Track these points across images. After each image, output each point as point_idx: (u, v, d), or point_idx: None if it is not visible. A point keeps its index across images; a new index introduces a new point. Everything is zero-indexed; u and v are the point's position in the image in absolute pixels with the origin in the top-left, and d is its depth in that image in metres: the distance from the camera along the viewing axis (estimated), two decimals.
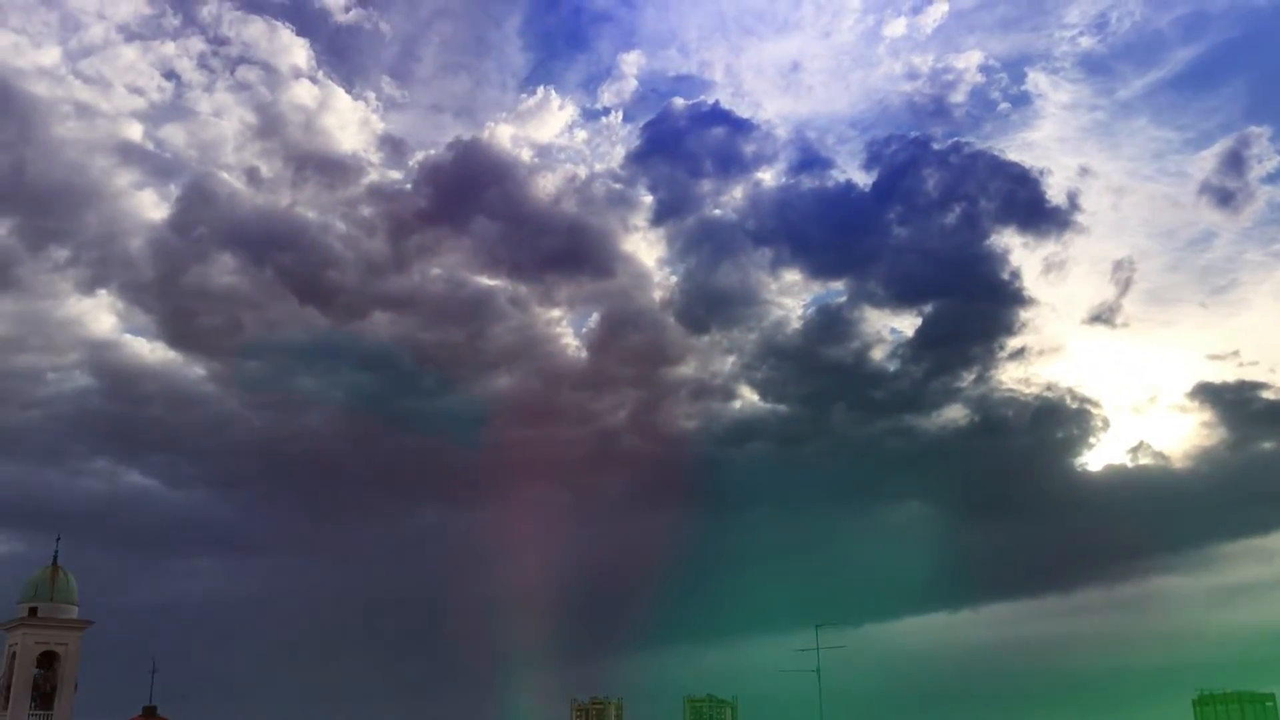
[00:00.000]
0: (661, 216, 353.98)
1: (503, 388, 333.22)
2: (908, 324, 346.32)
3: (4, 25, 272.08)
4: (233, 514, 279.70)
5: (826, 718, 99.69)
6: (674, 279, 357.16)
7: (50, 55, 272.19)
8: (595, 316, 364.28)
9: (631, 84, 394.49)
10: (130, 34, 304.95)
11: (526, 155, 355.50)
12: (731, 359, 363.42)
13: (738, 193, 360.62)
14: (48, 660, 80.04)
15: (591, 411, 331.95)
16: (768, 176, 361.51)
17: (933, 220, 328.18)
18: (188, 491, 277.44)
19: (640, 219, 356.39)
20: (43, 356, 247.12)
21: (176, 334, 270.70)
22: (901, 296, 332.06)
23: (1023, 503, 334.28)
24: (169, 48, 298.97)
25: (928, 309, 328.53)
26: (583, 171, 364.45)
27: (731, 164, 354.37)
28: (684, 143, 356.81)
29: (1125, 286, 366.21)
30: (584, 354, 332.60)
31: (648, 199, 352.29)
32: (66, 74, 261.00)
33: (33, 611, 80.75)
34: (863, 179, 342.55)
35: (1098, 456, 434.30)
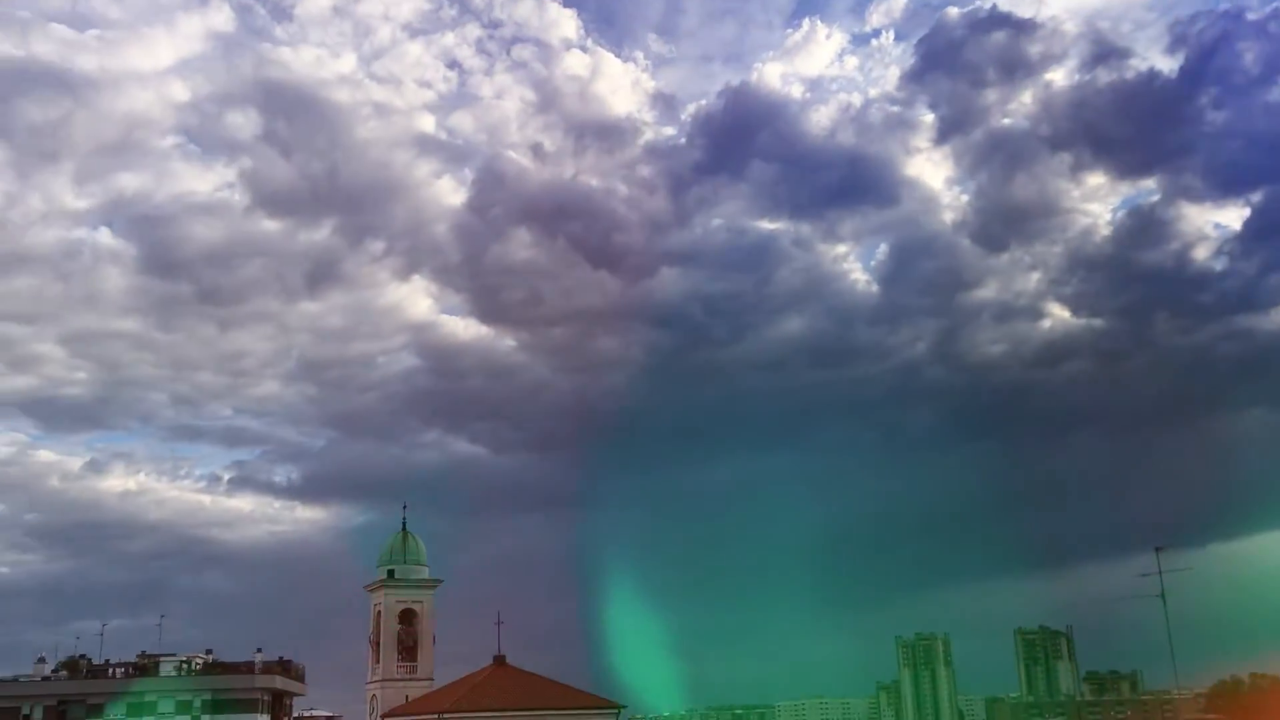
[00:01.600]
0: (945, 134, 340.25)
1: (794, 330, 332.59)
2: (1233, 217, 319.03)
3: (305, 40, 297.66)
4: (552, 473, 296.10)
5: (1175, 645, 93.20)
6: (965, 198, 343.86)
7: (347, 62, 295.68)
8: (883, 248, 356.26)
9: (901, 1, 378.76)
10: (414, 31, 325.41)
11: (797, 91, 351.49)
12: (1036, 276, 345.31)
13: (1026, 98, 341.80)
14: (407, 617, 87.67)
15: (889, 346, 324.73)
16: (1058, 76, 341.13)
17: (1253, 100, 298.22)
18: (510, 456, 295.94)
19: (922, 140, 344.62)
20: (372, 342, 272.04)
21: (485, 310, 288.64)
22: (1223, 187, 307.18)
23: None
24: (449, 38, 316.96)
25: (1255, 198, 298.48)
26: (856, 99, 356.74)
27: (1017, 68, 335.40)
28: (962, 53, 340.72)
29: None
30: (875, 288, 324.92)
31: (928, 118, 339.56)
32: (363, 78, 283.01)
33: (390, 573, 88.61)
34: (1167, 64, 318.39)
35: None
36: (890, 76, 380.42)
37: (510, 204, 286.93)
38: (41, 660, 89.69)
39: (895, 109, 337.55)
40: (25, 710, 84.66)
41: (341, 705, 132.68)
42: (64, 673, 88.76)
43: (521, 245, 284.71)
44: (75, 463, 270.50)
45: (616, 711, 75.77)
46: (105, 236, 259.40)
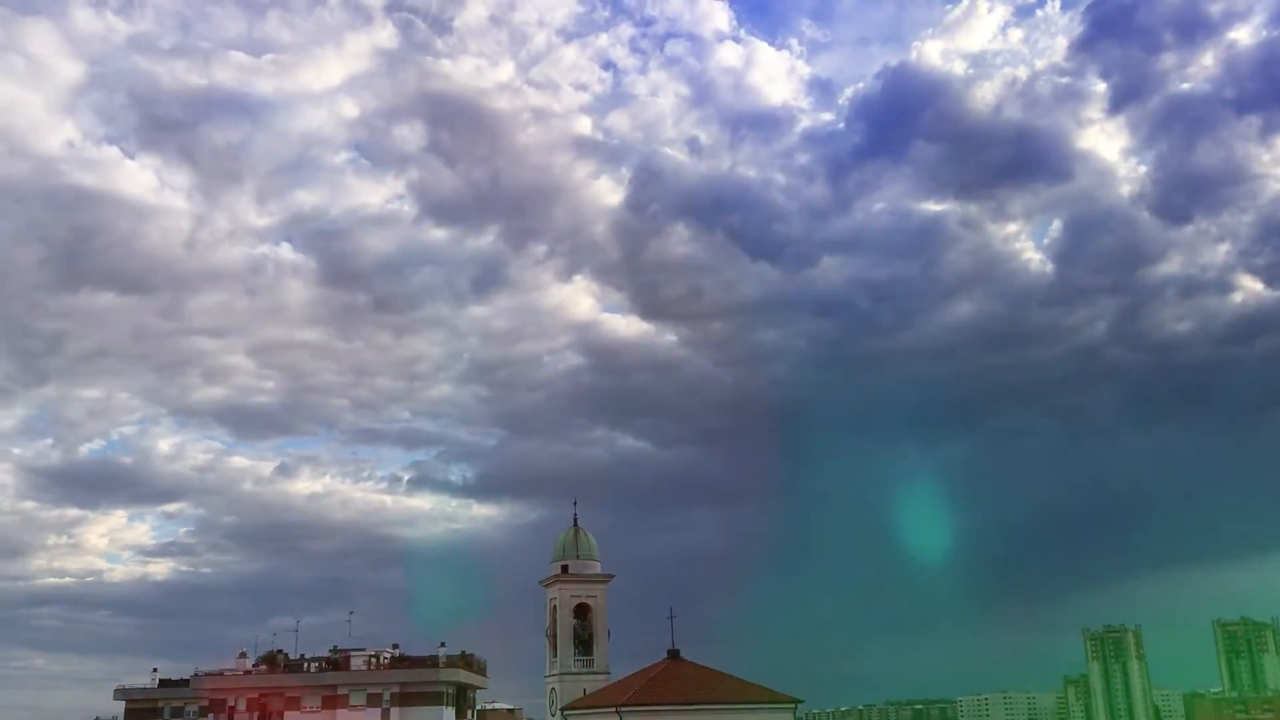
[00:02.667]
0: (1119, 103, 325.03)
1: (964, 315, 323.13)
2: None
3: (465, 51, 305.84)
4: (718, 467, 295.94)
5: None
6: (1143, 169, 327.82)
7: (505, 70, 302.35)
8: (1056, 224, 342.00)
9: None
10: (569, 34, 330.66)
11: (959, 68, 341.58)
12: (1224, 247, 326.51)
13: (1207, 60, 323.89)
14: (582, 611, 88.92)
15: (1065, 327, 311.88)
16: (1243, 35, 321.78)
17: None
18: (676, 450, 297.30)
19: (1095, 111, 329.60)
20: (538, 343, 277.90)
21: (646, 307, 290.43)
22: None
23: None
24: (603, 39, 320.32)
25: None
26: (1023, 73, 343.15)
27: (1196, 29, 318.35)
28: (1135, 17, 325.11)
29: None
30: (1049, 267, 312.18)
31: (1100, 87, 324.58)
32: (521, 84, 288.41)
33: (564, 569, 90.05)
34: None
35: None
36: (1058, 47, 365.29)
37: (668, 200, 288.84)
38: (243, 655, 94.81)
39: (1064, 80, 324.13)
40: (231, 702, 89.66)
41: (520, 698, 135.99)
42: (264, 667, 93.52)
43: (680, 240, 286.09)
44: (266, 467, 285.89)
45: (793, 706, 74.85)
46: (286, 251, 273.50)
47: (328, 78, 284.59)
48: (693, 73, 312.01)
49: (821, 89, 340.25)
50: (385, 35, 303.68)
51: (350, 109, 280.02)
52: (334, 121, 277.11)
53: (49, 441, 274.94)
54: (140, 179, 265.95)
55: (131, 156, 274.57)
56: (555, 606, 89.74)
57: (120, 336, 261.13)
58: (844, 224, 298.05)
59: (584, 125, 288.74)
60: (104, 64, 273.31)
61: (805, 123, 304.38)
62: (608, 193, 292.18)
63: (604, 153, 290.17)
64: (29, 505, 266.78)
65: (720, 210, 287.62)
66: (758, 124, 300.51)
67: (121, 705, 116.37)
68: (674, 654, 79.91)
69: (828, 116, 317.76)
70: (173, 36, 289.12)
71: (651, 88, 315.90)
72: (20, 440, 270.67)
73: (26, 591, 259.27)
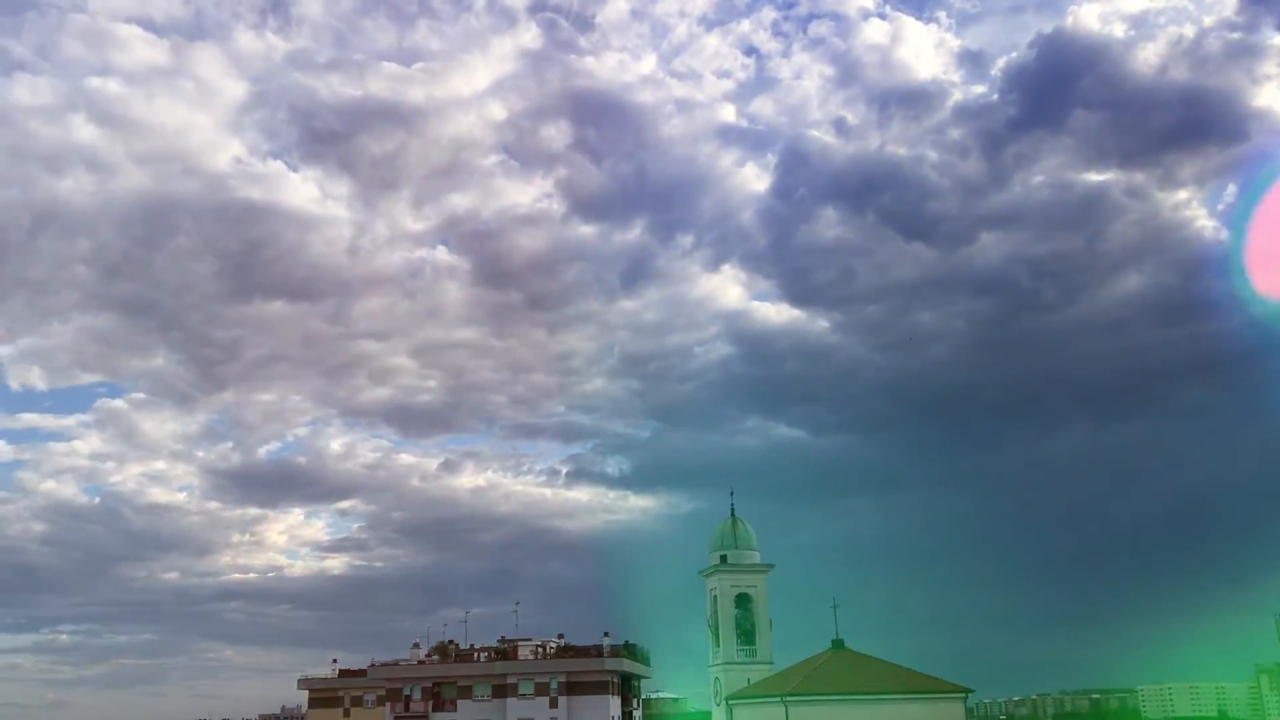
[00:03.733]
0: None
1: (1133, 288, 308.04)
2: None
3: (607, 47, 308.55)
4: (875, 454, 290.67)
5: None
6: None
7: (648, 63, 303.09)
8: (1231, 189, 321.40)
9: None
10: (710, 23, 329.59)
11: (1119, 30, 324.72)
12: None
13: None
14: (743, 601, 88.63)
15: (1245, 298, 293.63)
16: None
17: None
18: (831, 438, 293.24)
19: (1271, 66, 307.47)
20: (688, 334, 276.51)
21: (796, 293, 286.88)
22: None
23: None
24: (745, 25, 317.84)
25: None
26: (1189, 31, 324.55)
27: None
28: None
29: None
30: (1224, 234, 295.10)
31: (1277, 40, 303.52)
32: (664, 76, 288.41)
33: (723, 559, 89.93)
34: None
35: None
36: (1227, 1, 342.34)
37: (815, 183, 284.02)
38: (416, 646, 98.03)
39: (1236, 35, 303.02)
40: (406, 691, 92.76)
41: (683, 687, 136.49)
42: (436, 657, 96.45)
43: (829, 224, 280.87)
44: (432, 463, 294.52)
45: (963, 696, 72.95)
46: (442, 254, 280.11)
47: (475, 82, 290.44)
48: (837, 53, 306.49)
49: (973, 61, 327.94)
50: (529, 37, 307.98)
51: (498, 112, 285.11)
52: (483, 125, 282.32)
53: (229, 445, 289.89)
54: (304, 191, 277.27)
55: (295, 169, 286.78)
56: (715, 596, 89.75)
57: (291, 342, 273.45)
58: (1001, 199, 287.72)
59: (728, 113, 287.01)
60: (266, 82, 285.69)
61: (957, 96, 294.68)
62: (754, 179, 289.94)
63: (749, 139, 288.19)
64: (213, 506, 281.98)
65: (870, 191, 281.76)
66: (907, 101, 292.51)
67: (305, 694, 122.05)
68: (838, 644, 78.88)
69: (980, 89, 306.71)
70: (328, 51, 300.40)
71: (795, 70, 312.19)
72: (203, 444, 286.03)
73: (215, 587, 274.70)
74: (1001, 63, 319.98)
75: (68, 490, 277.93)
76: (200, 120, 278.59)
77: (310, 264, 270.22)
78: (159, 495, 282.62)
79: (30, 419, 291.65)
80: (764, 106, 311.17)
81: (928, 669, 76.18)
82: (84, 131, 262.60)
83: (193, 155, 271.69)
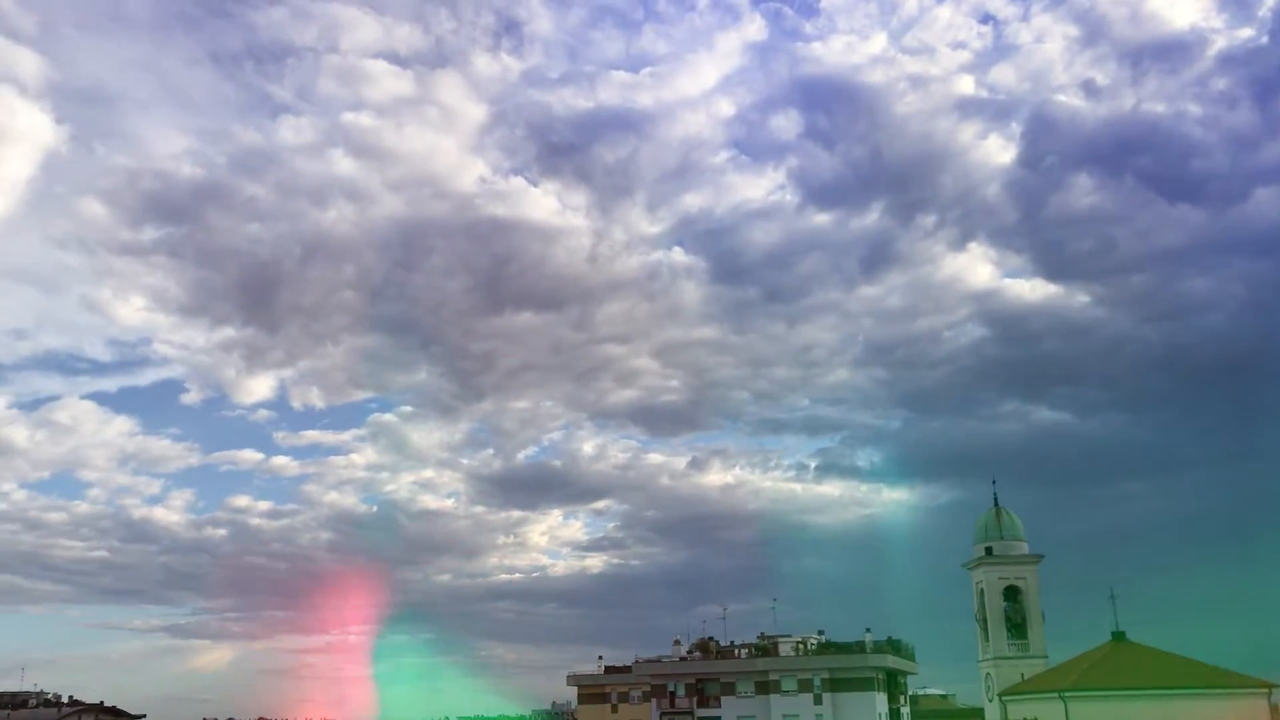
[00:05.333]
0: None
1: None
2: None
3: (834, 30, 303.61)
4: (1149, 433, 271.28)
5: None
6: None
7: (877, 42, 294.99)
8: None
9: None
10: None
11: None
12: None
13: None
14: (1012, 594, 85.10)
15: None
16: None
17: None
18: (1099, 419, 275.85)
19: None
20: (935, 318, 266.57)
21: (1051, 267, 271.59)
22: None
23: None
24: None
25: None
26: None
27: None
28: None
29: None
30: None
31: None
32: (895, 54, 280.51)
33: (988, 550, 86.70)
34: None
35: None
36: None
37: (1065, 150, 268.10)
38: (677, 642, 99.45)
39: None
40: (670, 687, 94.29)
41: (951, 683, 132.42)
42: (697, 654, 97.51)
43: (1083, 192, 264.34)
44: (680, 462, 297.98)
45: (1268, 691, 67.07)
46: (678, 255, 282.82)
47: (702, 81, 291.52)
48: (1081, 10, 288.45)
49: (1236, 4, 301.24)
50: (754, 29, 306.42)
51: (726, 108, 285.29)
52: (712, 123, 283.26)
53: (490, 451, 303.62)
54: (544, 204, 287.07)
55: (535, 184, 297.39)
56: (982, 589, 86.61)
57: (540, 351, 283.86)
58: (1277, 151, 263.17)
59: (966, 85, 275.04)
60: (503, 102, 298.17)
61: (1220, 44, 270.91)
62: (998, 151, 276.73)
63: (990, 110, 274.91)
64: (479, 510, 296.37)
65: (1127, 153, 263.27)
66: (1162, 54, 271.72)
67: (574, 690, 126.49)
68: (1119, 636, 74.50)
69: (1247, 33, 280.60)
70: (560, 66, 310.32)
71: (1036, 34, 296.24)
72: (467, 452, 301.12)
73: (485, 587, 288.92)
74: (1270, 2, 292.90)
75: (348, 500, 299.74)
76: (445, 144, 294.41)
77: (554, 274, 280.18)
78: (429, 502, 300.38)
79: (312, 435, 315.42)
80: (1004, 75, 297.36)
81: (1220, 662, 70.64)
82: (343, 164, 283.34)
83: (441, 178, 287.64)
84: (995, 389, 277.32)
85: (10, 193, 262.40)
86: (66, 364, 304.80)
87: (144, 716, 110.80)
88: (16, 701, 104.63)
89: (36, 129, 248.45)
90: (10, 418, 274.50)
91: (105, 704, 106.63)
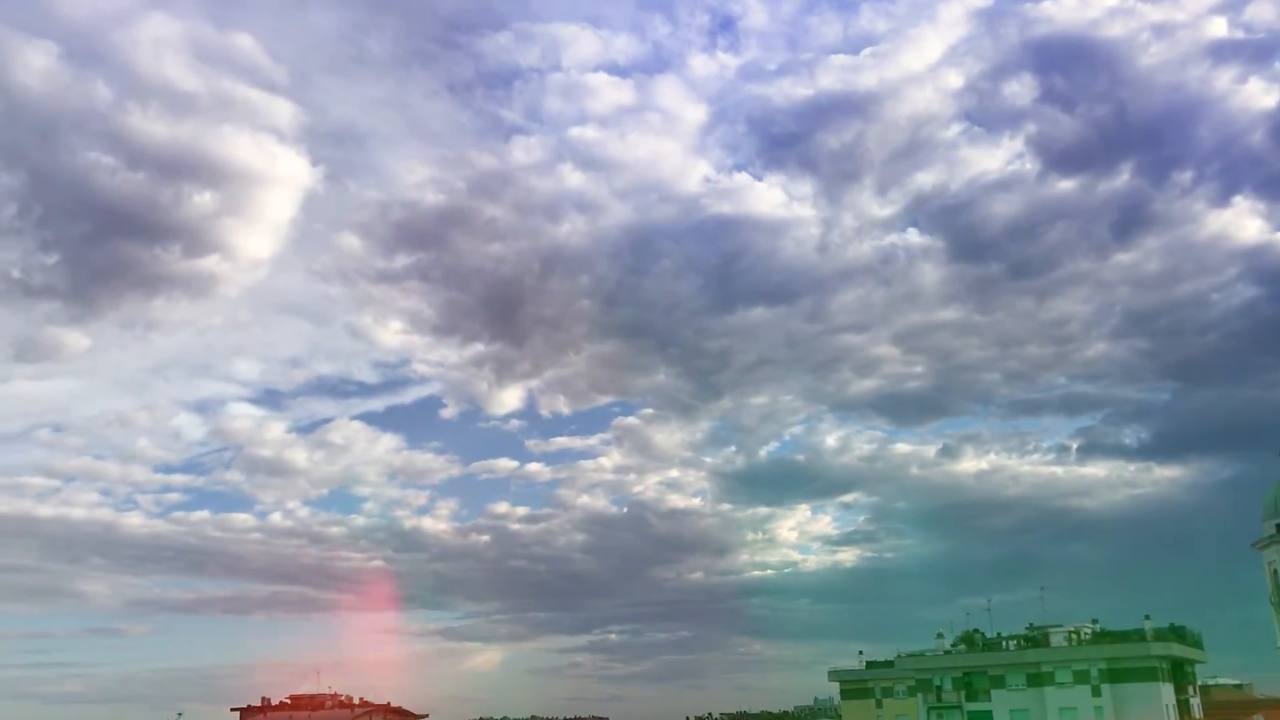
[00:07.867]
0: None
1: None
2: None
3: None
4: None
5: None
6: None
7: None
8: None
9: None
10: None
11: None
12: None
13: None
14: None
15: None
16: None
17: None
18: None
19: None
20: (1200, 280, 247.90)
21: None
22: None
23: None
24: None
25: None
26: None
27: None
28: None
29: None
30: None
31: None
32: (1135, 3, 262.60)
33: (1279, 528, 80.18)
34: None
35: None
36: None
37: None
38: (940, 635, 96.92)
39: None
40: (936, 681, 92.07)
41: (1246, 672, 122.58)
42: (962, 646, 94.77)
43: None
44: (929, 450, 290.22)
45: None
46: (913, 236, 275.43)
47: (927, 55, 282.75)
48: None
49: None
50: None
51: (954, 79, 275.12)
52: (940, 97, 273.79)
53: (733, 449, 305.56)
54: (769, 197, 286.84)
55: (759, 178, 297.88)
56: (1276, 570, 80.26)
57: (775, 345, 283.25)
58: None
59: (1218, 27, 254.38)
60: (722, 100, 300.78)
61: None
62: (1260, 95, 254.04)
63: (1247, 51, 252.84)
64: (726, 507, 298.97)
65: None
66: None
67: (835, 686, 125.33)
68: None
69: None
70: (778, 57, 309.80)
71: None
72: (709, 450, 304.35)
73: (738, 584, 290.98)
74: None
75: (599, 503, 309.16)
76: (668, 148, 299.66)
77: (784, 267, 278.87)
78: (677, 501, 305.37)
79: (561, 441, 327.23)
80: (1261, 11, 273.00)
81: None
82: (572, 178, 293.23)
83: (666, 182, 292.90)
84: (1274, 352, 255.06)
85: (277, 233, 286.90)
86: (338, 388, 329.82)
87: (427, 716, 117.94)
88: (315, 703, 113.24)
89: (295, 172, 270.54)
90: (290, 440, 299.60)
91: (392, 704, 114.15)
